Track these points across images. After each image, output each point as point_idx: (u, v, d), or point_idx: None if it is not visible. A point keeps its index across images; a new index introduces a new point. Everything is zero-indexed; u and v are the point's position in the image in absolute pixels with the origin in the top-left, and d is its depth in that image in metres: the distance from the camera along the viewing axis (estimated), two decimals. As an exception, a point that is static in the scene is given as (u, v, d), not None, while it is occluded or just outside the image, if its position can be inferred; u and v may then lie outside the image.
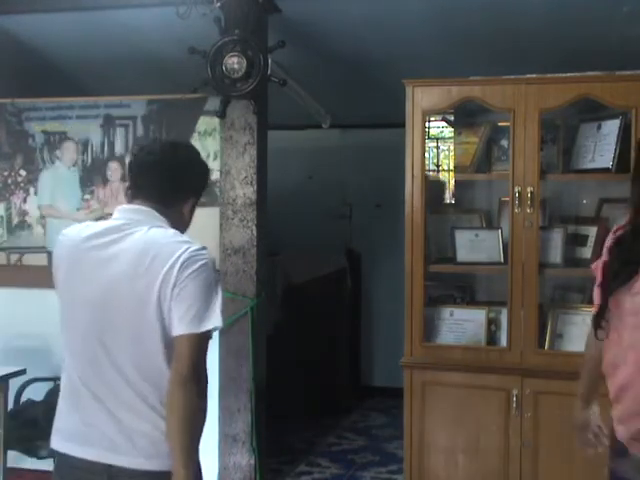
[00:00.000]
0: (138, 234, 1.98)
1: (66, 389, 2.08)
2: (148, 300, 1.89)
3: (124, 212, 2.09)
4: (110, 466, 1.96)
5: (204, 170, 2.17)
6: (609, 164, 3.28)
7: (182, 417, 1.87)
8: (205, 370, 1.93)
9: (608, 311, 1.97)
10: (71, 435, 2.06)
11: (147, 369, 1.92)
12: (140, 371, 1.92)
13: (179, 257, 1.90)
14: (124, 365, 1.93)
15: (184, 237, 2.01)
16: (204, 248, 1.98)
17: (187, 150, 2.16)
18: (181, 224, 2.11)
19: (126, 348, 1.93)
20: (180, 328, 1.88)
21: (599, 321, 2.01)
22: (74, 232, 2.09)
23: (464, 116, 3.72)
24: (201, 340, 1.90)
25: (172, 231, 2.01)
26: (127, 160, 4.15)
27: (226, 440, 3.94)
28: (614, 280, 1.95)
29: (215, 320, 1.90)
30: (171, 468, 1.89)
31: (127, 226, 2.02)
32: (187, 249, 1.92)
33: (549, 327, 3.43)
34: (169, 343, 1.90)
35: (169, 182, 2.06)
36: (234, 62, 3.72)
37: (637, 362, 1.88)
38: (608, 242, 2.04)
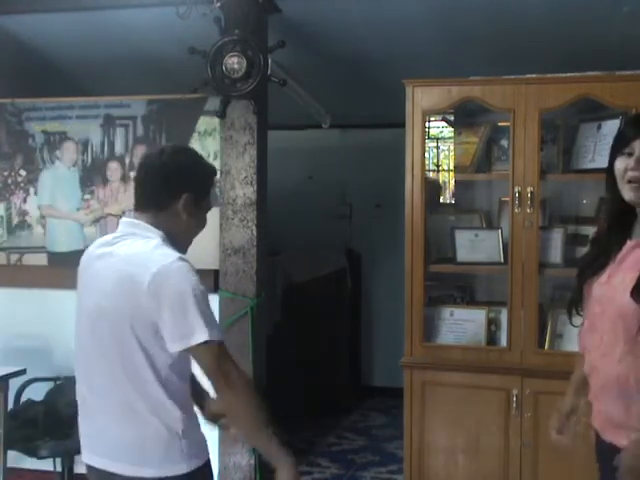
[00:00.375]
0: (123, 249, 2.02)
1: (78, 398, 2.13)
2: (126, 317, 1.94)
3: (121, 224, 2.12)
4: (112, 474, 2.00)
5: (194, 168, 2.12)
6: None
7: (244, 423, 2.04)
8: (232, 369, 1.95)
9: (583, 299, 2.10)
10: (84, 444, 2.12)
11: (135, 380, 1.96)
12: (131, 382, 1.97)
13: (152, 275, 1.92)
14: (117, 375, 1.98)
15: (160, 250, 1.99)
16: (180, 259, 1.99)
17: (175, 153, 2.13)
18: (181, 226, 2.09)
19: (116, 360, 1.98)
20: (174, 346, 1.93)
21: (571, 307, 2.15)
22: (95, 241, 2.17)
23: (464, 116, 3.72)
24: (207, 351, 1.93)
25: (152, 244, 2.00)
26: (127, 160, 4.16)
27: (226, 440, 3.93)
28: (587, 269, 2.09)
29: (199, 335, 1.90)
30: (164, 474, 1.96)
31: (117, 239, 2.06)
32: (159, 265, 1.93)
33: (549, 327, 3.43)
34: (151, 356, 1.95)
35: (155, 184, 2.07)
36: (234, 62, 3.72)
37: (599, 347, 2.01)
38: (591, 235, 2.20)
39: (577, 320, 2.15)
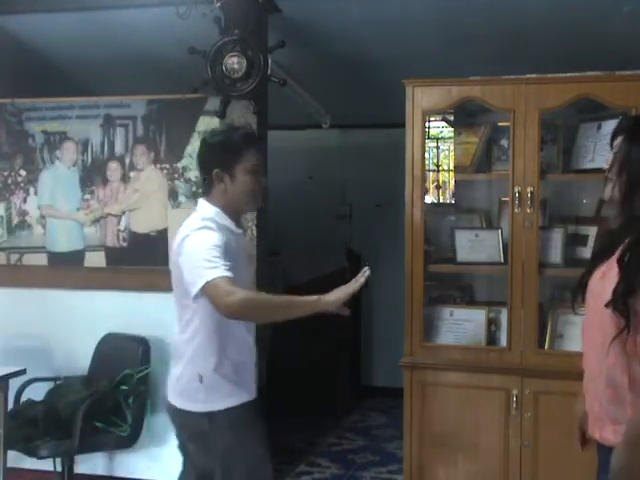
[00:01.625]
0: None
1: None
2: (176, 278, 2.43)
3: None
4: (172, 406, 2.49)
5: (213, 146, 2.48)
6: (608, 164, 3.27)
7: (270, 318, 2.49)
8: (225, 298, 2.22)
9: (584, 291, 2.11)
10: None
11: (185, 326, 2.44)
12: (181, 329, 2.47)
13: (177, 243, 2.40)
14: (179, 323, 2.49)
15: (188, 222, 2.43)
16: (198, 228, 2.36)
17: (203, 140, 2.56)
18: (226, 197, 2.44)
19: (178, 312, 2.48)
20: (192, 295, 2.29)
21: (572, 296, 2.19)
22: None
23: (464, 116, 3.72)
24: (205, 292, 2.25)
25: (195, 217, 2.44)
26: (127, 160, 4.16)
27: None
28: (592, 261, 2.13)
29: (199, 282, 2.24)
30: (194, 409, 2.41)
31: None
32: (181, 234, 2.39)
33: (549, 327, 3.43)
34: (187, 306, 2.40)
35: (199, 173, 2.57)
36: (234, 62, 3.72)
37: (588, 341, 2.06)
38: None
39: (580, 310, 2.18)
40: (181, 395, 2.46)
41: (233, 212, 2.48)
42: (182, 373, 2.45)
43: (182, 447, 2.58)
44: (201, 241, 2.31)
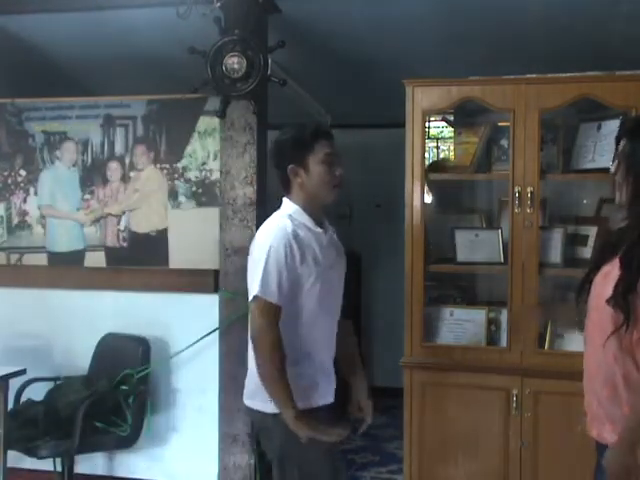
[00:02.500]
0: None
1: None
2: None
3: None
4: (245, 405, 2.58)
5: (282, 143, 2.56)
6: (609, 164, 3.27)
7: (259, 372, 2.41)
8: (262, 326, 2.37)
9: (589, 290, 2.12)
10: None
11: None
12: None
13: (252, 243, 2.54)
14: None
15: (267, 222, 2.54)
16: (276, 228, 2.44)
17: (274, 140, 2.62)
18: (304, 192, 2.51)
19: None
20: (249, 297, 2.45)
21: (579, 293, 2.17)
22: None
23: (464, 116, 3.72)
24: (253, 303, 2.40)
25: (275, 215, 2.54)
26: (127, 160, 4.16)
27: (226, 440, 3.94)
28: (594, 260, 2.16)
29: (254, 290, 2.38)
30: (258, 408, 2.47)
31: None
32: (257, 235, 2.52)
33: (549, 327, 3.43)
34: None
35: (277, 172, 2.58)
36: (234, 62, 3.72)
37: (588, 340, 2.08)
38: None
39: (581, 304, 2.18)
40: (248, 393, 2.55)
41: (314, 207, 2.54)
42: (250, 372, 2.52)
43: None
44: (266, 248, 2.40)
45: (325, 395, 2.56)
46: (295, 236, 2.42)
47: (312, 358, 2.49)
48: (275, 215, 2.54)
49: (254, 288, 2.38)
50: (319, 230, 2.53)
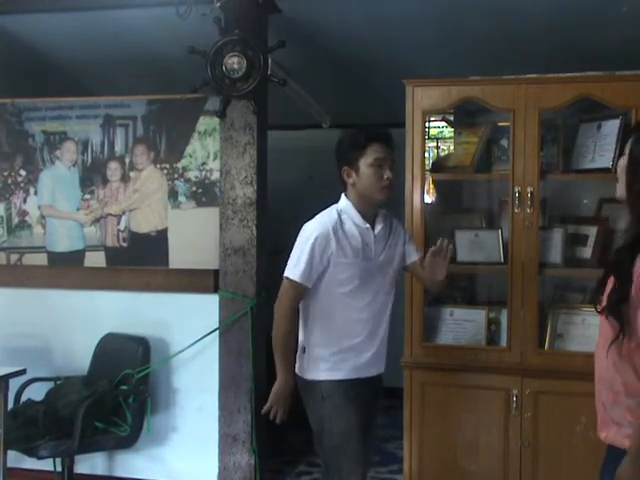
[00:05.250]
0: None
1: None
2: None
3: None
4: None
5: (337, 146, 2.79)
6: (609, 164, 3.28)
7: (273, 335, 2.76)
8: (283, 301, 2.73)
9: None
10: None
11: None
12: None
13: None
14: None
15: (326, 212, 2.81)
16: (316, 220, 2.77)
17: (340, 137, 2.82)
18: (356, 191, 2.76)
19: None
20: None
21: (597, 293, 2.13)
22: None
23: (464, 116, 3.72)
24: (283, 282, 2.74)
25: (329, 208, 2.82)
26: (127, 160, 4.16)
27: (226, 440, 3.94)
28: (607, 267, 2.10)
29: (286, 271, 2.72)
30: (300, 374, 2.82)
31: None
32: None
33: (549, 327, 3.43)
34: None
35: (337, 170, 2.81)
36: (234, 62, 3.72)
37: (598, 344, 2.04)
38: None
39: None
40: (296, 361, 2.85)
41: (365, 205, 2.77)
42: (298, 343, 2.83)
43: None
44: (306, 235, 2.72)
45: (351, 370, 2.77)
46: (337, 229, 2.71)
47: (335, 337, 2.76)
48: (329, 208, 2.81)
49: (287, 269, 2.72)
50: (366, 226, 2.76)
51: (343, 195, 2.82)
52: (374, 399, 2.87)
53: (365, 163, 2.71)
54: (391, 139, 2.78)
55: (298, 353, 2.83)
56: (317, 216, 2.80)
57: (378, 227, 2.80)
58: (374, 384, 2.85)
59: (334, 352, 2.75)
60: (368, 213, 2.78)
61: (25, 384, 3.82)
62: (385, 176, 2.70)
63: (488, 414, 3.36)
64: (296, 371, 2.84)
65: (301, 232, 2.76)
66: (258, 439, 3.92)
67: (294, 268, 2.70)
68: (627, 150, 1.99)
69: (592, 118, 3.44)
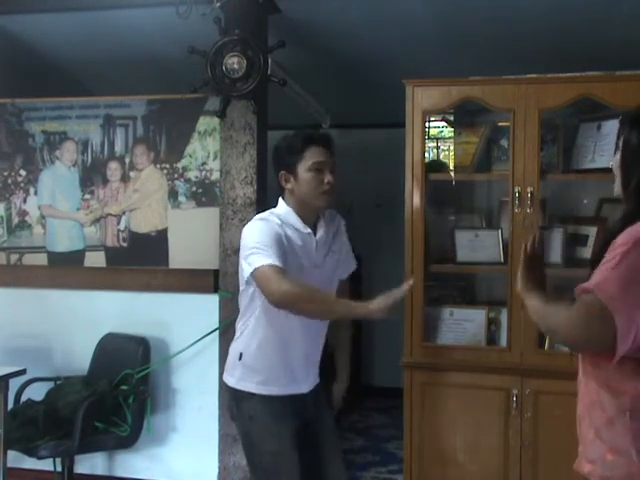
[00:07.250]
0: None
1: None
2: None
3: None
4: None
5: (275, 150, 2.66)
6: (609, 164, 3.27)
7: (313, 313, 2.44)
8: (271, 286, 2.36)
9: None
10: None
11: (242, 312, 2.67)
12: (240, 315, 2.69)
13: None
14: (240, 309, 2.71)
15: (264, 216, 2.59)
16: (257, 219, 2.56)
17: (278, 142, 2.69)
18: (294, 195, 2.59)
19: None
20: (245, 277, 2.52)
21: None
22: None
23: (464, 116, 3.72)
24: (258, 275, 2.40)
25: (265, 212, 2.63)
26: (127, 160, 4.16)
27: (226, 440, 3.94)
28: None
29: (247, 270, 2.43)
30: (229, 383, 2.64)
31: None
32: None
33: (549, 327, 3.42)
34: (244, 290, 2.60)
35: (275, 175, 2.65)
36: (234, 62, 3.72)
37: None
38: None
39: None
40: (225, 368, 2.69)
41: (305, 211, 2.60)
42: (231, 349, 2.68)
43: None
44: (255, 229, 2.50)
45: (284, 386, 2.61)
46: (282, 233, 2.52)
47: (276, 349, 2.58)
48: (264, 213, 2.62)
49: (253, 263, 2.40)
50: (307, 231, 2.59)
51: (281, 199, 2.64)
52: (318, 414, 2.76)
53: (303, 167, 2.56)
54: (331, 142, 2.66)
55: (232, 360, 2.64)
56: (255, 220, 2.57)
57: (320, 232, 2.64)
58: (315, 398, 2.74)
59: (271, 365, 2.58)
60: (309, 218, 2.62)
61: (25, 384, 3.82)
62: (325, 180, 2.56)
63: (488, 414, 3.36)
64: (225, 379, 2.67)
65: (246, 234, 2.51)
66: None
67: (263, 257, 2.38)
68: (620, 144, 1.97)
69: (592, 118, 3.44)
